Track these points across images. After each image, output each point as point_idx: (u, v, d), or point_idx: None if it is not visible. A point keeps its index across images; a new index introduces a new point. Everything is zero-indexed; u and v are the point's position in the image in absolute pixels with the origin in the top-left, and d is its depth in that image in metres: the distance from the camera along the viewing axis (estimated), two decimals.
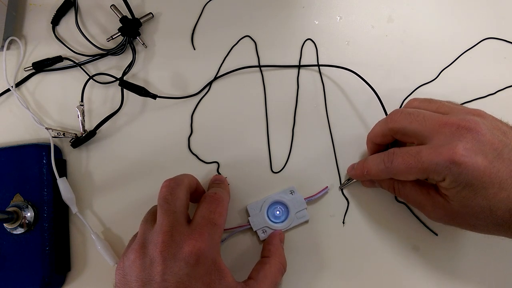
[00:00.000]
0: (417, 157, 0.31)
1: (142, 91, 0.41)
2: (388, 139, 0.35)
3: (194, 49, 0.45)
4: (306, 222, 0.40)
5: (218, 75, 0.44)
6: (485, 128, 0.30)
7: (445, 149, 0.29)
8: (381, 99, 0.40)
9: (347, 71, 0.42)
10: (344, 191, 0.41)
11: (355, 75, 0.42)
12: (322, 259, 0.39)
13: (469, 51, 0.44)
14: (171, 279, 0.29)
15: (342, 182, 0.41)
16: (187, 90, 0.44)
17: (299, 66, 0.44)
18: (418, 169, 0.31)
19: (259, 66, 0.44)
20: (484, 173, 0.29)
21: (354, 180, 0.40)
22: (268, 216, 0.39)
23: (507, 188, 0.29)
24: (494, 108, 0.42)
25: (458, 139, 0.30)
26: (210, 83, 0.44)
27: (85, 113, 0.43)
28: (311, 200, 0.40)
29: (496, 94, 0.43)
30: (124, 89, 0.42)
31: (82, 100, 0.42)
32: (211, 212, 0.33)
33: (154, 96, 0.41)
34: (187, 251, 0.30)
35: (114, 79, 0.44)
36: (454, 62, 0.44)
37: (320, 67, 0.44)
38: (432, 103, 0.35)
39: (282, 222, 0.39)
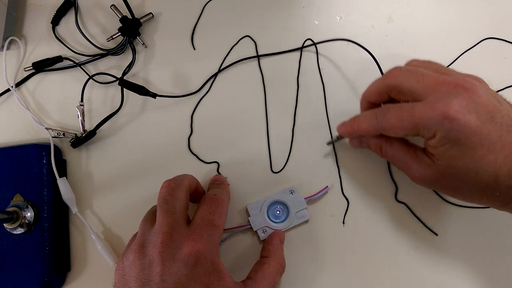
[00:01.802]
0: (410, 111, 0.31)
1: (142, 90, 0.41)
2: (383, 97, 0.35)
3: (194, 49, 0.45)
4: (306, 222, 0.40)
5: (219, 72, 0.44)
6: (482, 91, 0.30)
7: (440, 104, 0.29)
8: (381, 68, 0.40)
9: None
10: (344, 191, 0.41)
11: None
12: (321, 258, 0.39)
13: (469, 51, 0.44)
14: (170, 279, 0.29)
15: (332, 139, 0.41)
16: (187, 90, 0.44)
17: (301, 48, 0.44)
18: (410, 124, 0.31)
19: (257, 56, 0.44)
20: (475, 132, 0.29)
21: (343, 138, 0.40)
22: (268, 216, 0.39)
23: (495, 151, 0.29)
24: None
25: (454, 96, 0.29)
26: (214, 76, 0.44)
27: (85, 113, 0.43)
28: (311, 200, 0.40)
29: None
30: (124, 89, 0.42)
31: (82, 100, 0.42)
32: (210, 213, 0.33)
33: (154, 95, 0.41)
34: (186, 252, 0.30)
35: (114, 79, 0.44)
36: (454, 62, 0.44)
37: (318, 46, 0.44)
38: (432, 64, 0.34)
39: (282, 222, 0.39)
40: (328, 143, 0.41)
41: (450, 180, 0.31)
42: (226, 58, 0.44)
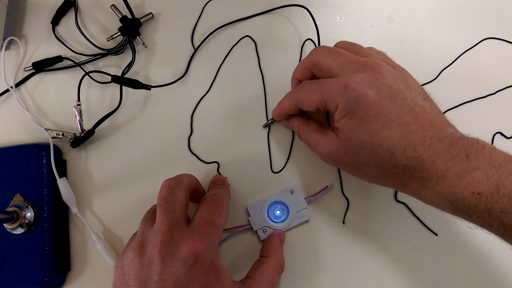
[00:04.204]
0: (321, 85, 0.33)
1: (135, 84, 0.40)
2: (307, 73, 0.36)
3: (194, 49, 0.45)
4: (307, 221, 0.40)
5: (195, 52, 0.44)
6: (389, 73, 0.31)
7: (344, 78, 0.31)
8: None
9: None
10: (344, 191, 0.41)
11: None
12: (322, 258, 0.39)
13: (469, 51, 0.44)
14: (169, 279, 0.29)
15: (267, 121, 0.42)
16: (187, 89, 0.44)
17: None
18: (318, 95, 0.33)
19: (234, 21, 0.45)
20: (372, 106, 0.30)
21: (275, 120, 0.41)
22: (268, 216, 0.39)
23: (391, 128, 0.30)
24: (494, 108, 0.43)
25: (359, 72, 0.31)
26: (192, 55, 0.44)
27: (85, 113, 0.43)
28: (311, 200, 0.40)
29: (496, 94, 0.43)
30: (123, 89, 0.42)
31: (79, 100, 0.41)
32: (210, 213, 0.33)
33: (148, 87, 0.41)
34: (185, 252, 0.30)
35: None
36: (454, 62, 0.44)
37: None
38: (354, 46, 0.36)
39: (282, 222, 0.39)
40: (264, 126, 0.42)
41: (349, 155, 0.32)
42: (226, 59, 0.44)
